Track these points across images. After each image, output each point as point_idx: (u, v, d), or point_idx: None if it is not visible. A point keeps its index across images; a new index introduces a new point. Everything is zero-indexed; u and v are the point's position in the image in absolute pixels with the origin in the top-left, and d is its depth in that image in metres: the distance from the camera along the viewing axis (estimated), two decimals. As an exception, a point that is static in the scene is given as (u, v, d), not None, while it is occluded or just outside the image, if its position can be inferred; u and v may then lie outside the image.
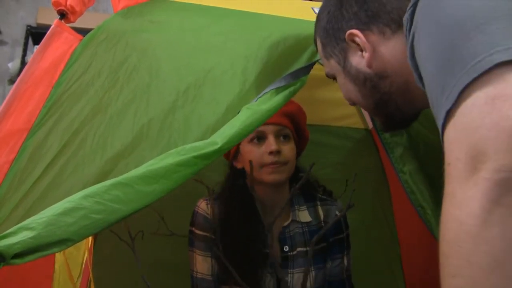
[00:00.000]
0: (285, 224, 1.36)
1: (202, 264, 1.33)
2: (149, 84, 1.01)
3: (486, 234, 0.47)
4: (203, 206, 1.35)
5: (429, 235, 1.26)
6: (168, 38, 1.11)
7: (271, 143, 1.27)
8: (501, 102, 0.48)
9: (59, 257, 1.21)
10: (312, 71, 1.04)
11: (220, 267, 1.30)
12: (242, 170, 1.35)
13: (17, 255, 0.65)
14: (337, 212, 1.39)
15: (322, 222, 1.38)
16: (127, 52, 1.06)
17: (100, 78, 1.02)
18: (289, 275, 1.33)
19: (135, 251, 1.17)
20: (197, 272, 1.33)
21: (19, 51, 3.07)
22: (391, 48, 0.82)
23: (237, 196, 1.34)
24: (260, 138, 1.29)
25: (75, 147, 0.94)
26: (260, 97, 0.97)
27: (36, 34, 2.92)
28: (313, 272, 1.34)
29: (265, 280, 1.31)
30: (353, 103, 0.95)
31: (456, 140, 0.52)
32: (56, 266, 1.19)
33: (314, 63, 1.04)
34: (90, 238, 1.42)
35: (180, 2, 1.22)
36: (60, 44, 1.06)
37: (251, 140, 1.29)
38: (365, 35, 0.83)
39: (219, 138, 0.86)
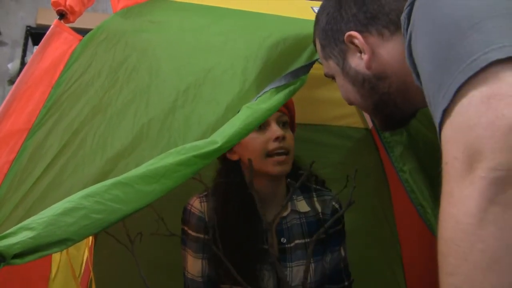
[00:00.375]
0: (284, 214, 1.33)
1: (193, 265, 1.31)
2: (149, 84, 1.01)
3: (482, 233, 0.48)
4: (196, 204, 1.32)
5: (429, 234, 1.26)
6: (168, 38, 1.11)
7: (275, 130, 1.26)
8: (496, 101, 0.49)
9: (58, 257, 1.21)
10: (312, 71, 1.04)
11: (215, 266, 1.28)
12: (238, 162, 1.32)
13: (17, 255, 0.65)
14: (333, 203, 1.38)
15: (320, 214, 1.36)
16: (126, 52, 1.05)
17: (100, 78, 1.02)
18: (288, 268, 1.31)
19: (134, 254, 1.17)
20: (188, 272, 1.32)
21: (18, 51, 3.07)
22: (390, 50, 0.82)
23: (233, 192, 1.30)
24: (262, 125, 1.25)
25: (75, 147, 0.94)
26: (260, 96, 0.97)
27: (35, 34, 2.92)
28: (313, 264, 1.32)
29: (264, 279, 1.29)
30: (351, 104, 0.95)
31: (453, 139, 0.52)
32: (54, 266, 1.19)
33: (314, 62, 1.04)
34: (91, 237, 1.42)
35: (180, 2, 1.22)
36: (59, 44, 1.06)
37: None
38: (364, 37, 0.83)
39: (219, 137, 0.86)
